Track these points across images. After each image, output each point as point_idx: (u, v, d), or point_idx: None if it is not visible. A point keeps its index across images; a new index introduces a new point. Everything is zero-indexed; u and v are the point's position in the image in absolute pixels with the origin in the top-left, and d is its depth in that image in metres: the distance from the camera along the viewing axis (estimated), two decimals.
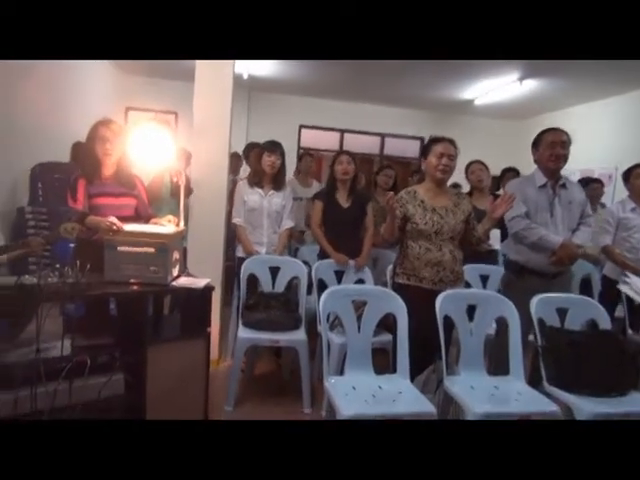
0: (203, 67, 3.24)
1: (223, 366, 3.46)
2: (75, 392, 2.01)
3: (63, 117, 4.85)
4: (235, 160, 4.81)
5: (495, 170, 4.11)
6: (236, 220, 3.38)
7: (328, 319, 2.84)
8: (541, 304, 2.38)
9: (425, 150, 2.60)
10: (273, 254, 3.33)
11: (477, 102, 6.90)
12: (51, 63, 4.32)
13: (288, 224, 3.43)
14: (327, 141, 8.16)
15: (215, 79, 3.27)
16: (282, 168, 3.39)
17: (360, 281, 3.33)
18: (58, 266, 2.07)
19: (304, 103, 7.82)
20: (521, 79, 5.59)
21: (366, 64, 5.29)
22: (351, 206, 3.40)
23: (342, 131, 8.19)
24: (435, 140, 2.55)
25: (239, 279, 3.15)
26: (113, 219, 2.28)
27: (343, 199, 3.41)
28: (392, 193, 2.40)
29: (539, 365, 2.29)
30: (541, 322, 2.34)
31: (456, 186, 4.93)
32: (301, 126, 8.05)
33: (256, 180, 3.39)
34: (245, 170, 4.73)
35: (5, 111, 3.75)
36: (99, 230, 2.29)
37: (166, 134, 2.56)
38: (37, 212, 4.07)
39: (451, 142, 2.51)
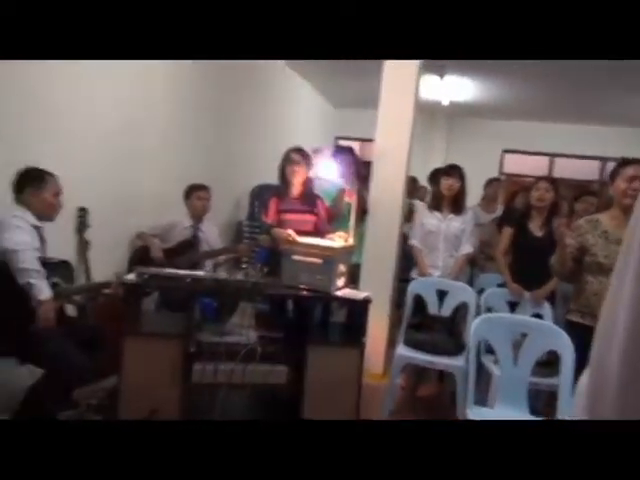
0: (388, 94, 3.48)
1: (385, 382, 3.56)
2: (247, 374, 2.41)
3: (279, 144, 5.72)
4: (412, 185, 4.93)
5: None
6: (412, 242, 3.48)
7: (480, 346, 2.71)
8: None
9: (613, 173, 2.31)
10: (447, 278, 3.31)
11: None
12: (271, 100, 5.15)
13: (466, 249, 3.37)
14: (533, 166, 7.58)
15: (398, 106, 3.47)
16: (462, 191, 3.37)
17: (537, 316, 3.06)
18: (244, 267, 2.52)
19: (508, 127, 7.46)
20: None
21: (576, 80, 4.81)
22: (545, 235, 3.13)
23: (551, 155, 7.52)
24: (626, 162, 2.25)
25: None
26: (290, 232, 2.65)
27: (536, 227, 3.17)
28: (564, 219, 2.21)
29: None
30: None
31: None
32: (504, 151, 7.69)
33: (434, 204, 3.45)
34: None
35: (228, 139, 4.63)
36: (280, 241, 2.70)
37: (346, 160, 2.86)
38: (252, 226, 4.89)
39: None
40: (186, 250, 3.37)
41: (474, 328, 2.23)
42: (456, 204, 3.38)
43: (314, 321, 2.68)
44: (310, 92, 6.36)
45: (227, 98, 4.43)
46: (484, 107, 6.79)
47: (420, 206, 3.64)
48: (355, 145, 7.60)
